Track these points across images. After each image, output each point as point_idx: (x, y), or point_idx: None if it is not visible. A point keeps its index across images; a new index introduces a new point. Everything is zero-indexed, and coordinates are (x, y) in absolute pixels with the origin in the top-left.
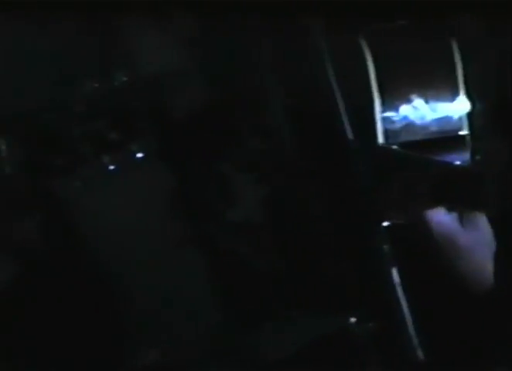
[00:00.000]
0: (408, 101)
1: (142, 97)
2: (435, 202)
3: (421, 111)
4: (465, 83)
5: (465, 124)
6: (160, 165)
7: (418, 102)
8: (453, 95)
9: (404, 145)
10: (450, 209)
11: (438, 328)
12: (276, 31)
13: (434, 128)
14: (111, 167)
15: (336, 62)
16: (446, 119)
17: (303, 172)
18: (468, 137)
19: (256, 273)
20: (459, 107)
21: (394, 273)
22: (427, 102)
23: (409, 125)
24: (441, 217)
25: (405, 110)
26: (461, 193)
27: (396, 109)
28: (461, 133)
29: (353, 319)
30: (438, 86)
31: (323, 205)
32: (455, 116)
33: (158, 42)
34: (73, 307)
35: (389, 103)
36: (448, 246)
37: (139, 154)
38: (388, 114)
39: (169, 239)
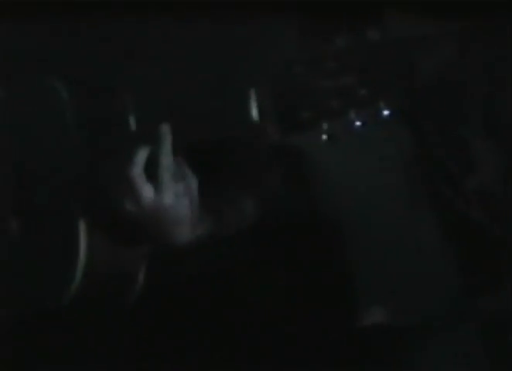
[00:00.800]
0: None
1: (392, 57)
2: None
3: None
4: None
5: None
6: (404, 124)
7: None
8: None
9: None
10: None
11: None
12: None
13: None
14: (357, 123)
15: None
16: None
17: None
18: None
19: (490, 240)
20: None
21: None
22: None
23: None
24: None
25: None
26: None
27: None
28: None
29: None
30: None
31: None
32: None
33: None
34: (301, 262)
35: None
36: None
37: (385, 112)
38: None
39: (405, 199)
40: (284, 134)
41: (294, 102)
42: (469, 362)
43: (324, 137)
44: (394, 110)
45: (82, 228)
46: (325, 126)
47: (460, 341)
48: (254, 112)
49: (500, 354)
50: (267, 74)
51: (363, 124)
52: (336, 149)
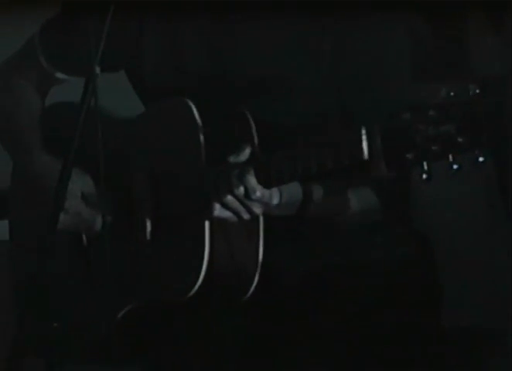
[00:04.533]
0: None
1: (489, 109)
2: None
3: None
4: None
5: None
6: (496, 172)
7: None
8: None
9: None
10: None
11: None
12: None
13: None
14: (455, 166)
15: None
16: None
17: None
18: None
19: None
20: None
21: None
22: None
23: None
24: None
25: None
26: None
27: None
28: None
29: None
30: None
31: None
32: None
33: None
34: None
35: None
36: None
37: (480, 159)
38: None
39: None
40: (389, 171)
41: (400, 144)
42: None
43: (424, 176)
44: (488, 157)
45: (207, 230)
46: (425, 167)
47: None
48: (365, 149)
49: None
50: (379, 117)
51: (460, 168)
52: (434, 187)
